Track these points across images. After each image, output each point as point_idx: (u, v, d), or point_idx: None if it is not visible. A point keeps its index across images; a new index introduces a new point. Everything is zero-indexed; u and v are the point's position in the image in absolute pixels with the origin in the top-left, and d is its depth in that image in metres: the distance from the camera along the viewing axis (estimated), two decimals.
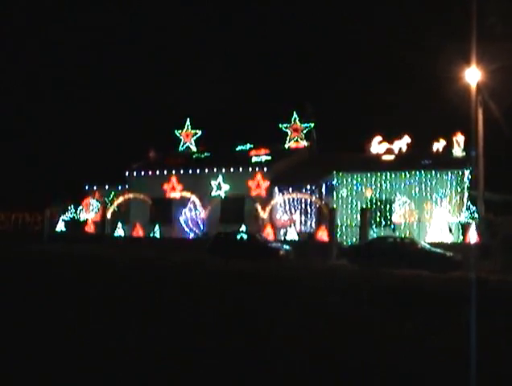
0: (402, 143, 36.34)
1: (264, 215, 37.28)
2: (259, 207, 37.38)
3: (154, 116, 58.36)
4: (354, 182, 34.92)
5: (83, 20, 69.30)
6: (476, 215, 30.75)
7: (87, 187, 45.35)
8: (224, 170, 39.61)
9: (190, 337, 10.51)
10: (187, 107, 51.38)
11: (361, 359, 9.08)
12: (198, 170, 40.75)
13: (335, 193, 35.13)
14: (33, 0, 73.22)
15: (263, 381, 8.22)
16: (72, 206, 44.90)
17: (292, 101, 65.29)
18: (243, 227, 35.94)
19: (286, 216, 36.82)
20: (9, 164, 54.92)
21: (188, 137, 45.06)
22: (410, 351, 9.72)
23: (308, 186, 36.52)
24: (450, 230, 31.63)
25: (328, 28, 68.40)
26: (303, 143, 41.64)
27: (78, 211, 44.67)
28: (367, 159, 36.15)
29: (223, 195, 39.46)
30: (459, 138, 33.70)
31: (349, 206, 34.78)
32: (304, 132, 41.71)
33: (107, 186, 44.23)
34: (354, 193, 34.85)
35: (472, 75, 29.07)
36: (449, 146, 34.23)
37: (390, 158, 36.12)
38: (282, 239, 34.93)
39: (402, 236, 30.91)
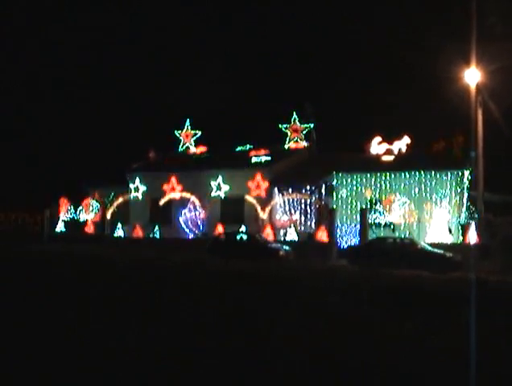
0: (402, 144, 36.34)
1: (264, 215, 37.30)
2: (259, 208, 37.41)
3: (154, 116, 58.40)
4: (354, 182, 34.92)
5: (83, 20, 69.36)
6: (475, 216, 30.74)
7: (87, 188, 45.35)
8: (223, 171, 39.61)
9: (190, 337, 10.51)
10: (187, 107, 51.40)
11: (361, 359, 9.08)
12: (198, 171, 40.75)
13: (335, 193, 35.12)
14: (33, 0, 73.27)
15: (263, 381, 8.23)
16: (72, 206, 44.94)
17: (292, 101, 65.33)
18: (243, 228, 35.97)
19: (285, 217, 36.82)
20: (9, 164, 54.93)
21: (188, 138, 45.06)
22: (410, 351, 9.73)
23: (308, 187, 36.52)
24: (450, 230, 31.64)
25: (328, 28, 68.46)
26: (303, 143, 41.64)
27: (78, 212, 44.70)
28: (367, 160, 36.14)
29: (223, 196, 39.47)
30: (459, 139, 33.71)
31: (349, 206, 34.77)
32: (304, 132, 41.71)
33: (107, 187, 44.22)
34: (354, 193, 34.84)
35: (472, 76, 29.07)
36: (449, 147, 34.19)
37: (390, 158, 36.12)
38: (282, 239, 34.95)
39: (402, 236, 30.90)
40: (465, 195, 32.45)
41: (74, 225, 44.13)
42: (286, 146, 41.76)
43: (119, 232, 41.16)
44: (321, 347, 9.84)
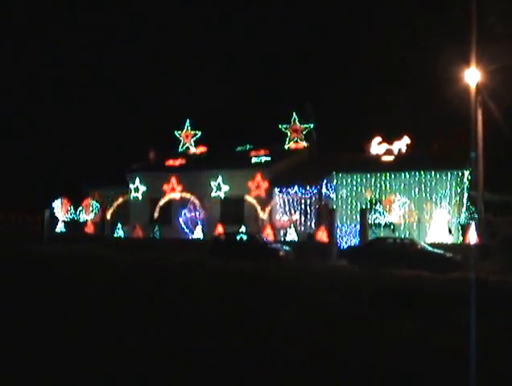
0: (402, 144, 36.35)
1: (264, 215, 37.30)
2: (259, 208, 37.42)
3: (154, 116, 58.40)
4: (354, 182, 34.91)
5: (83, 20, 69.37)
6: (475, 216, 30.74)
7: (87, 188, 45.36)
8: (223, 171, 39.61)
9: (190, 337, 10.51)
10: (186, 107, 51.42)
11: (361, 359, 9.08)
12: (198, 171, 40.75)
13: (334, 194, 35.13)
14: (33, 0, 73.27)
15: (263, 381, 8.23)
16: (72, 207, 44.95)
17: (292, 101, 65.37)
18: (243, 228, 35.97)
19: (285, 217, 36.82)
20: (9, 164, 54.90)
21: (188, 138, 45.06)
22: (410, 351, 9.73)
23: (308, 187, 36.52)
24: (450, 231, 31.64)
25: (328, 28, 68.48)
26: (303, 144, 41.64)
27: (78, 212, 44.71)
28: (367, 160, 36.15)
29: (223, 196, 39.47)
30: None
31: (349, 206, 34.77)
32: (304, 132, 41.71)
33: (107, 187, 44.22)
34: (354, 194, 34.84)
35: (472, 76, 29.07)
36: (449, 147, 34.19)
37: (390, 158, 36.12)
38: (282, 239, 34.95)
39: (402, 236, 30.91)
40: (465, 195, 32.46)
41: (74, 225, 44.15)
42: (286, 146, 41.76)
43: (119, 233, 41.18)
44: (321, 347, 9.84)
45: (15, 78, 62.79)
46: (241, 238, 31.41)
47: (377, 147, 36.94)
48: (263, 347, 9.79)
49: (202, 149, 44.62)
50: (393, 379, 8.36)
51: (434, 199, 32.91)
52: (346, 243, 33.45)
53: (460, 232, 31.37)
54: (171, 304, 13.98)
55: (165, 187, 41.38)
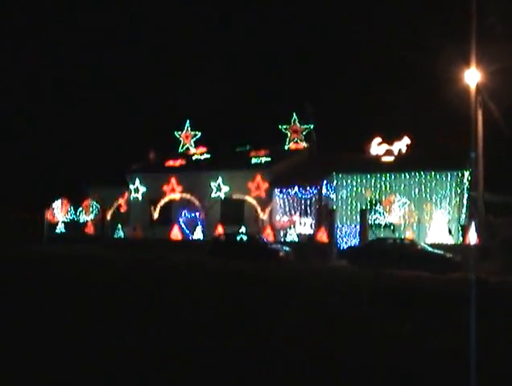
0: (402, 144, 36.35)
1: (264, 216, 37.30)
2: (259, 209, 37.42)
3: (154, 116, 58.39)
4: (354, 183, 34.90)
5: (83, 20, 69.32)
6: (475, 217, 30.72)
7: (87, 188, 45.36)
8: (223, 172, 39.61)
9: (190, 337, 10.50)
10: (187, 107, 51.39)
11: (361, 359, 9.08)
12: (198, 172, 40.75)
13: (335, 194, 35.12)
14: (33, 0, 73.27)
15: (263, 381, 8.22)
16: (72, 207, 44.96)
17: (292, 102, 65.31)
18: (243, 229, 35.97)
19: (285, 217, 36.82)
20: (9, 164, 54.87)
21: (188, 139, 45.06)
22: (410, 351, 9.73)
23: (308, 188, 36.52)
24: (450, 231, 31.63)
25: (328, 28, 68.42)
26: (303, 144, 41.63)
27: (78, 213, 44.71)
28: (367, 160, 36.15)
29: (223, 197, 39.46)
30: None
31: (349, 207, 34.76)
32: (304, 133, 41.70)
33: (107, 188, 44.21)
34: (354, 194, 34.83)
35: (472, 77, 29.07)
36: (449, 147, 34.16)
37: (390, 159, 36.12)
38: (282, 240, 34.95)
39: (402, 237, 30.90)
40: (465, 195, 32.44)
41: (74, 226, 44.17)
42: (286, 147, 41.77)
43: (119, 233, 41.18)
44: (321, 347, 9.84)
45: (15, 78, 62.80)
46: (241, 238, 31.42)
47: (377, 148, 36.94)
48: (263, 347, 9.79)
49: (202, 149, 44.61)
50: (393, 380, 8.36)
51: (434, 200, 32.91)
52: (346, 243, 33.44)
53: (460, 232, 31.35)
54: (171, 304, 13.98)
55: (165, 188, 41.38)
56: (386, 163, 35.64)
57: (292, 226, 35.82)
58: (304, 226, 36.34)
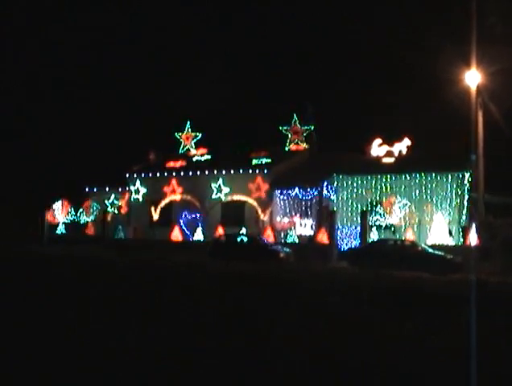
0: (402, 146, 36.36)
1: (264, 217, 37.29)
2: (259, 210, 37.42)
3: (155, 117, 58.38)
4: (354, 184, 34.90)
5: (83, 20, 69.36)
6: (476, 218, 30.70)
7: (87, 189, 45.37)
8: (224, 173, 39.61)
9: (190, 337, 10.50)
10: (187, 108, 51.39)
11: (361, 359, 9.08)
12: (198, 173, 40.75)
13: (335, 195, 35.12)
14: (33, 0, 73.31)
15: (263, 381, 8.22)
16: (73, 208, 44.95)
17: (292, 102, 65.30)
18: (243, 230, 35.96)
19: (286, 219, 36.81)
20: (9, 164, 54.87)
21: (188, 140, 45.05)
22: (410, 351, 9.72)
23: (308, 189, 36.51)
24: (450, 233, 31.62)
25: (328, 28, 68.45)
26: (304, 145, 41.63)
27: (78, 214, 44.71)
28: (367, 162, 36.16)
29: (223, 198, 39.46)
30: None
31: (349, 208, 34.75)
32: (304, 134, 41.70)
33: (107, 189, 44.24)
34: (354, 195, 34.83)
35: (472, 78, 29.06)
36: (449, 148, 34.16)
37: (390, 160, 36.13)
38: (283, 241, 34.94)
39: (403, 238, 30.90)
40: (465, 197, 32.43)
41: (74, 227, 44.17)
42: (286, 148, 41.77)
43: (120, 234, 41.18)
44: (321, 347, 9.84)
45: (15, 78, 62.82)
46: (242, 240, 31.41)
47: (377, 149, 36.96)
48: (263, 347, 9.79)
49: (202, 150, 44.61)
50: (393, 379, 8.36)
51: (434, 201, 32.91)
52: (347, 244, 33.43)
53: (461, 233, 31.35)
54: (171, 304, 13.98)
55: (165, 189, 41.39)
56: (387, 164, 35.66)
57: (293, 227, 35.81)
58: (305, 227, 36.32)
